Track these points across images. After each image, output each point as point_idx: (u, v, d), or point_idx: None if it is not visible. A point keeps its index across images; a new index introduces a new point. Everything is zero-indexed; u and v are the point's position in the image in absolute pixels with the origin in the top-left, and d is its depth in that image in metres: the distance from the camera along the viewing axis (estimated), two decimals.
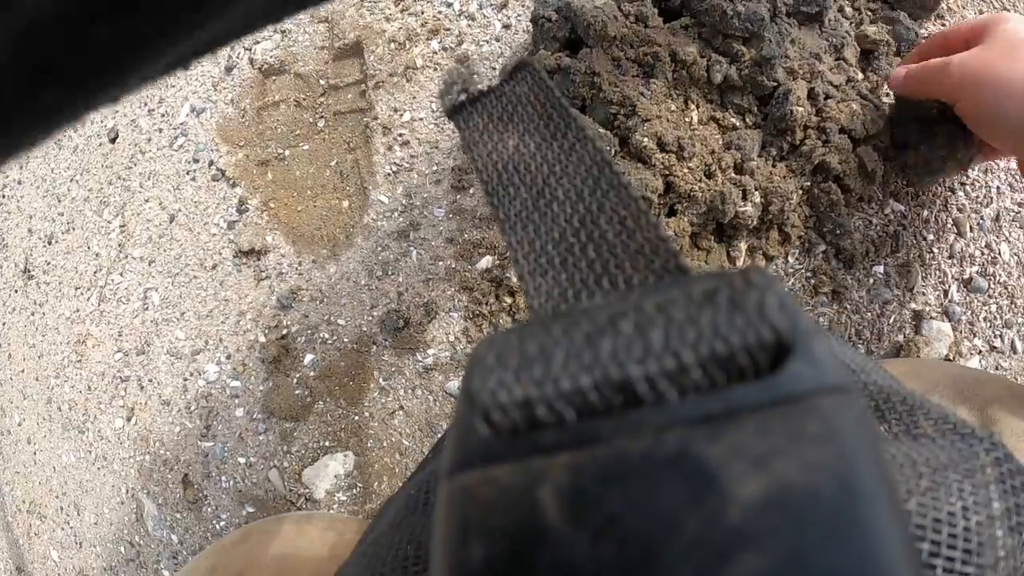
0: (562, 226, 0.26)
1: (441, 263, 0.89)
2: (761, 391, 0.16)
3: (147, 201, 1.05)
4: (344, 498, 0.89)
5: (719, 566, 0.13)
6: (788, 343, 0.16)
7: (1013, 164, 0.85)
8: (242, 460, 0.92)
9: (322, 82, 1.01)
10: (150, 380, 0.99)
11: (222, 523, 0.92)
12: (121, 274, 1.04)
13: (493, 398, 0.18)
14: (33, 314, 1.12)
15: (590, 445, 0.16)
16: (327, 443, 0.90)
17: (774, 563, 0.13)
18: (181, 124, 1.06)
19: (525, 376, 0.18)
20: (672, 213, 0.78)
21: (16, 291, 1.15)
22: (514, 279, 0.85)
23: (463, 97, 0.34)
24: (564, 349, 0.19)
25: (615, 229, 0.25)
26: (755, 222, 0.79)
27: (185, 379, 0.96)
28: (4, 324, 1.15)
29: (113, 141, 1.11)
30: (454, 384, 0.86)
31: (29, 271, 1.14)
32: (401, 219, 0.92)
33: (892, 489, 0.14)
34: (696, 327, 0.17)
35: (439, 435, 0.85)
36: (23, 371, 1.12)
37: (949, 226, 0.85)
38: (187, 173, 1.04)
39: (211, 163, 1.02)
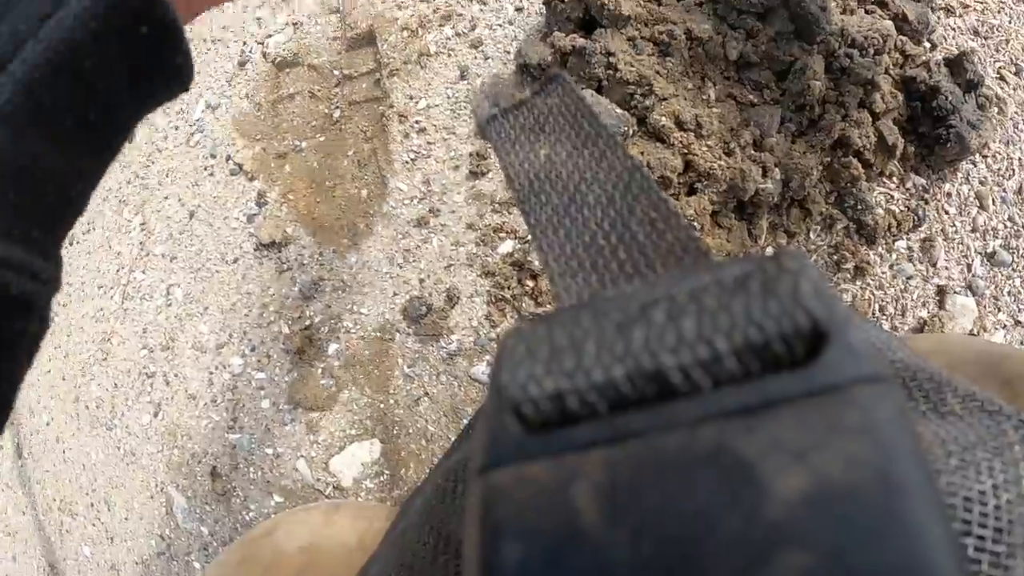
0: (593, 229, 0.26)
1: (462, 248, 0.89)
2: (798, 381, 0.15)
3: (166, 198, 1.06)
4: (372, 485, 0.89)
5: (760, 565, 0.13)
6: (824, 330, 0.16)
7: None
8: (269, 451, 0.92)
9: (336, 73, 1.01)
10: (176, 375, 0.99)
11: (251, 514, 0.93)
12: (143, 272, 1.05)
13: (523, 391, 0.18)
14: (57, 314, 1.13)
15: (625, 440, 0.16)
16: (353, 431, 0.90)
17: (816, 561, 0.13)
18: (197, 120, 1.07)
19: (556, 368, 0.18)
20: (692, 192, 0.78)
21: None
22: (536, 263, 0.84)
23: (495, 111, 0.34)
24: (595, 339, 0.18)
25: (645, 230, 0.25)
26: (776, 199, 0.79)
27: (210, 373, 0.97)
28: None
29: (129, 140, 1.11)
30: (479, 369, 0.86)
31: None
32: (420, 206, 0.91)
33: (934, 482, 0.14)
34: (729, 314, 0.17)
35: (465, 420, 0.85)
36: (50, 371, 1.13)
37: (971, 199, 0.84)
38: (205, 169, 1.04)
39: (228, 158, 1.02)
